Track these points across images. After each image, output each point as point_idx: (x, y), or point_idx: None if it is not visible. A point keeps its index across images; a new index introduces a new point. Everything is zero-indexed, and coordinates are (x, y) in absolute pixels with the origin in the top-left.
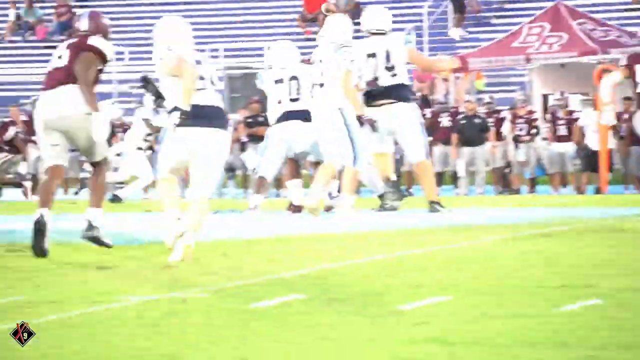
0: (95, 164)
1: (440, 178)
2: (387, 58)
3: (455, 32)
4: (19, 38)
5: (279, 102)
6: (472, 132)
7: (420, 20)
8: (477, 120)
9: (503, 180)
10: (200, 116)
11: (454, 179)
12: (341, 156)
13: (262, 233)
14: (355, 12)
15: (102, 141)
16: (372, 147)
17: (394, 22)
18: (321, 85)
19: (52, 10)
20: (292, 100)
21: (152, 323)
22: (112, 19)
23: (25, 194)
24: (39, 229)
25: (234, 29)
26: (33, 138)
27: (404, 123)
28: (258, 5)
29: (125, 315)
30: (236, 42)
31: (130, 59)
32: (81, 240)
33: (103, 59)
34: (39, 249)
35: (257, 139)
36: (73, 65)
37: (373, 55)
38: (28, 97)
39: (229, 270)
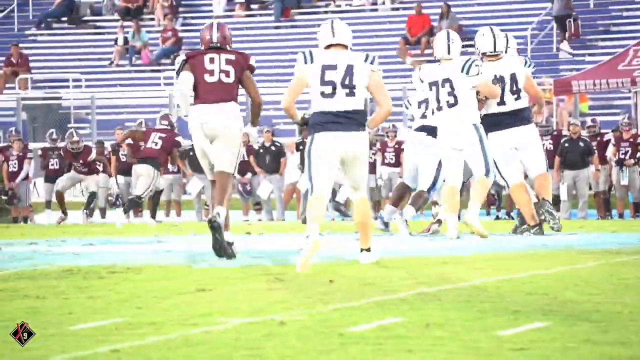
0: (223, 180)
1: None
2: (514, 82)
3: (565, 46)
4: (126, 62)
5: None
6: (575, 156)
7: (525, 43)
8: (580, 144)
9: (605, 204)
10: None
11: (556, 202)
12: (475, 170)
13: (358, 256)
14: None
15: (238, 155)
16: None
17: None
18: (453, 103)
19: (158, 35)
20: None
21: (250, 346)
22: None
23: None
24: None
25: None
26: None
27: (528, 143)
28: (362, 29)
29: (224, 337)
30: None
31: None
32: (178, 263)
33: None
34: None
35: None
36: (237, 85)
37: (499, 78)
38: (134, 120)
39: (327, 294)
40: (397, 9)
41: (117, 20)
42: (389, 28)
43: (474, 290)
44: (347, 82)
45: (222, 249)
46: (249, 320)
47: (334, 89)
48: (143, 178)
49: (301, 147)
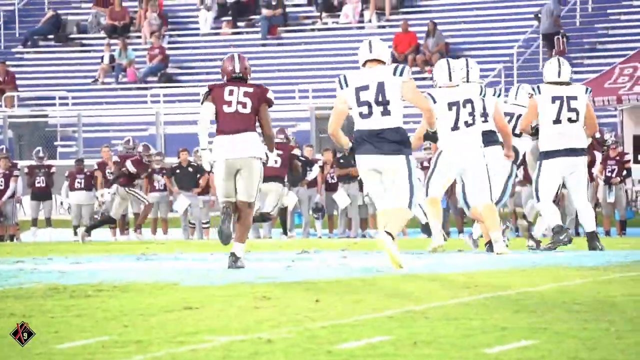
0: (247, 204)
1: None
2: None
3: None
4: (112, 80)
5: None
6: None
7: (511, 61)
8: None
9: None
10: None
11: None
12: (480, 195)
13: (346, 273)
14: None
15: (257, 184)
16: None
17: (485, 62)
18: (470, 123)
19: (145, 53)
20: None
21: None
22: (203, 59)
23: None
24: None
25: (322, 70)
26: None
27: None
28: (348, 47)
29: (211, 355)
30: (324, 82)
31: None
32: (165, 280)
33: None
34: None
35: (348, 179)
36: (255, 115)
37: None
38: (121, 137)
39: (315, 311)
40: (384, 26)
41: (103, 38)
42: None
43: (461, 308)
44: (380, 99)
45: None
46: (237, 338)
47: (370, 108)
48: (272, 194)
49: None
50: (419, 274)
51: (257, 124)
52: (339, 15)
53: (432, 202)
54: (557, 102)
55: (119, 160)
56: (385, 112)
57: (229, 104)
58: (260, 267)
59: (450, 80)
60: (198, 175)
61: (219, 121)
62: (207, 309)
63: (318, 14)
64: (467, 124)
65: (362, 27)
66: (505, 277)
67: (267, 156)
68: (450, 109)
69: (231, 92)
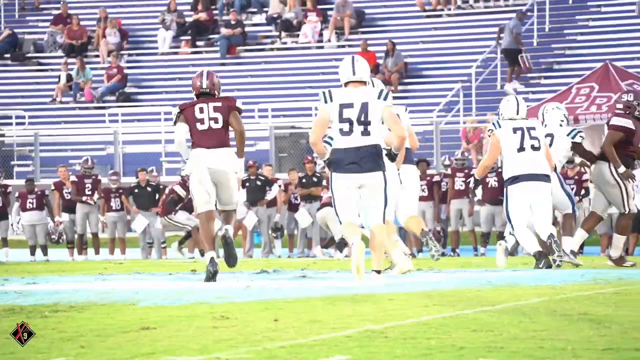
0: (229, 212)
1: (487, 238)
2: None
3: (509, 87)
4: (70, 99)
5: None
6: None
7: (469, 80)
8: None
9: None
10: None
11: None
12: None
13: (305, 293)
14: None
15: (236, 193)
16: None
17: (444, 82)
18: (537, 147)
19: (102, 72)
20: None
21: None
22: (167, 74)
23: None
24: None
25: (281, 89)
26: (83, 198)
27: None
28: (308, 66)
29: None
30: (283, 102)
31: None
32: (122, 301)
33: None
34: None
35: (310, 198)
36: (227, 130)
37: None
38: (79, 157)
39: (273, 331)
40: (343, 46)
41: (61, 57)
42: (335, 65)
43: (420, 327)
44: (362, 118)
45: (233, 261)
46: (195, 358)
47: (351, 125)
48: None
49: (247, 184)
50: (377, 293)
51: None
52: (298, 35)
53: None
54: (519, 132)
55: (77, 180)
56: (366, 132)
57: (202, 121)
58: (219, 287)
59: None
60: (156, 195)
61: (194, 139)
62: (165, 329)
63: (277, 33)
64: (533, 148)
65: (322, 47)
66: (462, 296)
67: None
68: (515, 132)
69: (201, 110)
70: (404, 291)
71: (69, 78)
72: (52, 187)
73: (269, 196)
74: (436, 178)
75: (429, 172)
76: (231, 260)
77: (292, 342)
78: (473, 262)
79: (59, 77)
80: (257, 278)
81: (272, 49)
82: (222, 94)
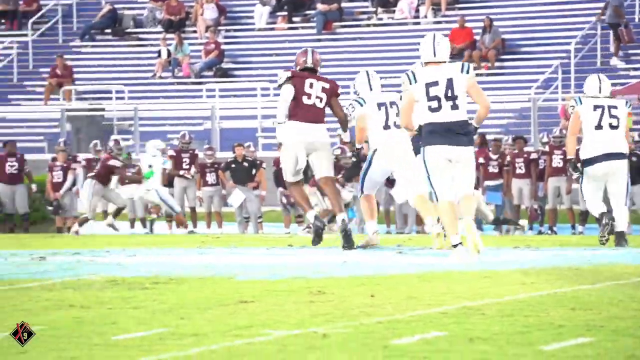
0: (330, 179)
1: (586, 217)
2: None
3: (616, 61)
4: (168, 74)
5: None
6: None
7: (568, 57)
8: (634, 159)
9: None
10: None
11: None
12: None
13: (401, 269)
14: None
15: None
16: None
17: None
18: (615, 126)
19: (200, 47)
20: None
21: (293, 358)
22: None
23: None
24: (318, 230)
25: (377, 65)
26: (180, 173)
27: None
28: (404, 42)
29: (266, 349)
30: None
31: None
32: (221, 274)
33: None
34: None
35: None
36: (325, 108)
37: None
38: (176, 132)
39: (370, 307)
40: (440, 22)
41: (160, 33)
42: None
43: (517, 305)
44: (449, 94)
45: (351, 246)
46: (292, 332)
47: (439, 102)
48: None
49: (343, 161)
50: (473, 270)
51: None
52: (394, 11)
53: (368, 198)
54: (599, 110)
55: (174, 154)
56: (454, 107)
57: (309, 96)
58: (316, 262)
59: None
60: (253, 170)
61: (295, 110)
62: (262, 302)
63: (374, 9)
64: (396, 125)
65: (418, 23)
66: (561, 274)
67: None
68: (595, 110)
69: (311, 85)
70: (500, 269)
71: (168, 54)
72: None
73: None
74: (533, 155)
75: (526, 149)
76: (350, 246)
77: (389, 318)
78: (571, 240)
79: (159, 52)
80: (354, 254)
81: (368, 25)
82: (322, 70)
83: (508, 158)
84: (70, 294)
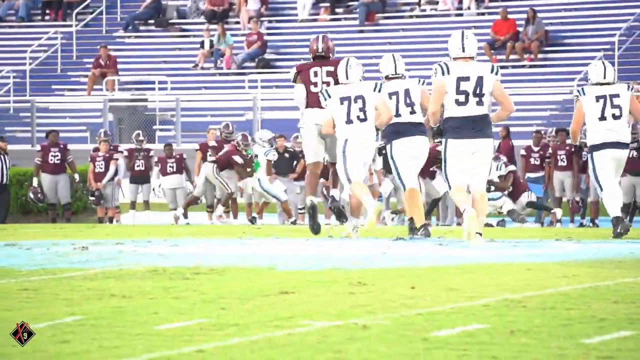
0: (332, 164)
1: (627, 209)
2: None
3: None
4: (210, 65)
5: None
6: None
7: (612, 49)
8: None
9: None
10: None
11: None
12: None
13: (442, 261)
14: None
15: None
16: None
17: (586, 50)
18: (618, 116)
19: (243, 39)
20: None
21: (333, 349)
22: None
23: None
24: (312, 212)
25: (419, 57)
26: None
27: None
28: (447, 34)
29: (307, 340)
30: (421, 69)
31: None
32: (262, 265)
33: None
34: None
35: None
36: None
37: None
38: (218, 122)
39: (410, 298)
40: (483, 13)
41: (203, 24)
42: (475, 33)
43: (559, 297)
44: (478, 91)
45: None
46: (332, 323)
47: (467, 97)
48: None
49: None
50: (514, 262)
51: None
52: (437, 2)
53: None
54: (601, 101)
55: (216, 144)
56: (480, 103)
57: (315, 84)
58: (356, 253)
59: (347, 78)
60: (294, 161)
61: (308, 99)
62: (303, 293)
63: (417, 0)
64: (360, 119)
65: (461, 15)
66: (603, 267)
67: None
68: (597, 100)
69: (316, 74)
70: (542, 261)
71: (210, 44)
72: (197, 147)
73: None
74: (576, 148)
75: (568, 141)
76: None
77: (429, 310)
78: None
79: (201, 43)
80: (394, 245)
81: (410, 17)
82: (360, 61)
83: (550, 150)
84: (112, 283)
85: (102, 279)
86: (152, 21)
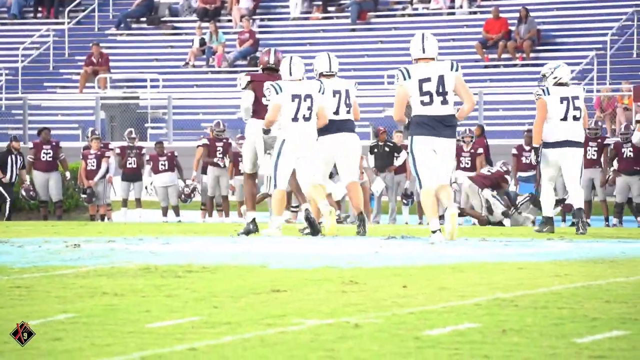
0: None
1: (621, 209)
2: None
3: None
4: (202, 63)
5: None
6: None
7: (604, 49)
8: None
9: None
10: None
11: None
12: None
13: (434, 260)
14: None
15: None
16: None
17: (578, 49)
18: (578, 117)
19: (235, 37)
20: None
21: (325, 347)
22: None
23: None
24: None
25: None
26: (214, 160)
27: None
28: (439, 32)
29: (299, 338)
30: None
31: None
32: (254, 263)
33: None
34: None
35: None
36: None
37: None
38: (210, 120)
39: (402, 297)
40: (475, 12)
41: (195, 22)
42: (466, 32)
43: (551, 297)
44: (440, 90)
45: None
46: (324, 322)
47: (431, 97)
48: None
49: (375, 150)
50: (506, 261)
51: None
52: (429, 1)
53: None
54: (565, 103)
55: (208, 142)
56: (444, 102)
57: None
58: (348, 252)
59: (290, 75)
60: None
61: (257, 108)
62: (295, 292)
63: None
64: (305, 118)
65: (453, 13)
66: (595, 266)
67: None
68: (561, 102)
69: None
70: (534, 260)
71: (202, 42)
72: (201, 143)
73: (398, 162)
74: None
75: None
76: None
77: (421, 309)
78: (605, 232)
79: (192, 41)
80: (386, 244)
81: (403, 15)
82: (352, 60)
83: None
84: (104, 281)
85: (94, 276)
86: (144, 19)
